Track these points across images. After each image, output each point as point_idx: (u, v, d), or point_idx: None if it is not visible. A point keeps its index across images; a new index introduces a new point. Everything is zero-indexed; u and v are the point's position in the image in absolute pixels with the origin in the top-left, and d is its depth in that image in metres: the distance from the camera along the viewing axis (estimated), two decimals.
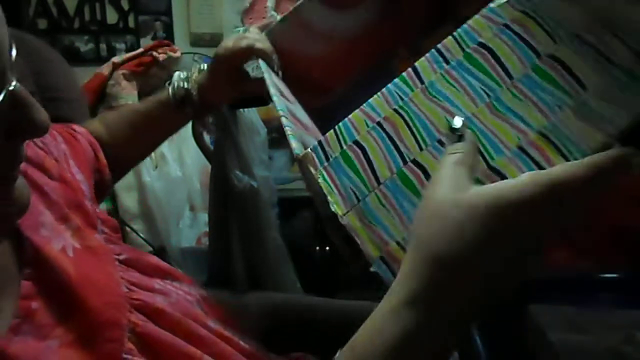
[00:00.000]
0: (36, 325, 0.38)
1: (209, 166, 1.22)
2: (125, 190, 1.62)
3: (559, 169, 0.30)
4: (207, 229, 1.42)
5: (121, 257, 0.51)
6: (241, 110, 1.17)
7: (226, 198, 1.14)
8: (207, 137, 1.28)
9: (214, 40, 2.56)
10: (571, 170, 0.30)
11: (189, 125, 1.30)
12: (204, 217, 1.67)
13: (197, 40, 2.58)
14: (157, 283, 0.52)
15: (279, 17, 0.60)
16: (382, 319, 0.31)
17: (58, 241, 0.45)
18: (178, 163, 1.67)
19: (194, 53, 2.46)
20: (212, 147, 1.22)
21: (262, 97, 1.18)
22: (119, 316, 0.43)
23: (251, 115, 1.21)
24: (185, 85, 0.71)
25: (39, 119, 0.36)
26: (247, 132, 1.18)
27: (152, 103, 0.73)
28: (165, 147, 1.67)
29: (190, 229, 1.71)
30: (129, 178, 1.64)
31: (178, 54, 1.80)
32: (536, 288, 0.63)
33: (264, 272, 0.96)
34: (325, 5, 0.48)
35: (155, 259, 0.57)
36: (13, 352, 0.35)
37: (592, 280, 0.70)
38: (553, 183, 0.29)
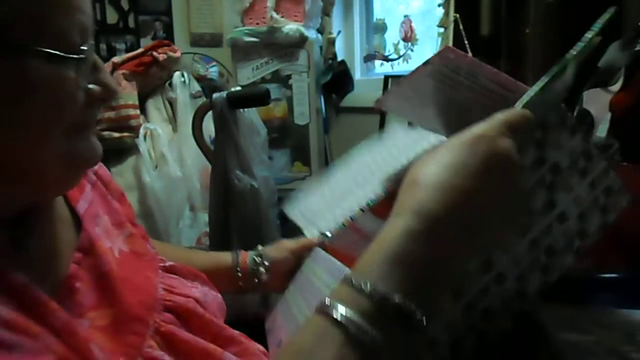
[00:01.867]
0: (74, 303, 0.41)
1: (209, 166, 1.22)
2: (126, 190, 1.62)
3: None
4: (207, 229, 1.42)
5: (166, 265, 0.56)
6: (241, 110, 1.17)
7: (226, 198, 1.14)
8: (207, 137, 1.28)
9: (214, 40, 2.56)
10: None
11: (189, 125, 1.30)
12: (204, 217, 1.67)
13: (197, 40, 2.58)
14: (196, 287, 0.56)
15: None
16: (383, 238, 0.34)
17: (108, 241, 0.49)
18: (178, 163, 1.67)
19: (194, 53, 2.47)
20: (212, 147, 1.22)
21: (262, 97, 1.19)
22: (146, 314, 0.46)
23: (251, 115, 1.21)
24: (261, 273, 0.73)
25: (114, 88, 0.42)
26: (247, 132, 1.18)
27: (212, 264, 0.73)
28: (165, 147, 1.67)
29: (190, 229, 1.71)
30: (129, 178, 1.64)
31: (178, 54, 1.80)
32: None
33: None
34: (374, 214, 0.61)
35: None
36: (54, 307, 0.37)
37: (592, 280, 0.70)
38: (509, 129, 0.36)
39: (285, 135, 1.90)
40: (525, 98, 0.40)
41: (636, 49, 0.85)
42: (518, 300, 0.45)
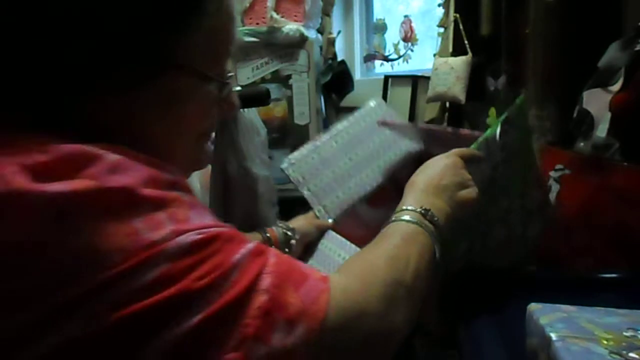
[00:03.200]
0: None
1: (209, 166, 1.22)
2: None
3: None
4: None
5: None
6: (241, 110, 1.17)
7: (226, 198, 1.14)
8: None
9: None
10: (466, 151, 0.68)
11: None
12: None
13: None
14: None
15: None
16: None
17: None
18: None
19: None
20: (212, 147, 1.22)
21: (262, 97, 1.18)
22: None
23: (251, 115, 1.21)
24: (292, 245, 0.89)
25: (237, 103, 0.54)
26: (247, 132, 1.18)
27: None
28: None
29: None
30: None
31: None
32: (536, 288, 0.63)
33: None
34: (369, 204, 0.86)
35: None
36: None
37: (592, 280, 0.70)
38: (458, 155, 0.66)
39: (285, 135, 1.89)
40: (473, 144, 0.69)
41: (636, 49, 0.85)
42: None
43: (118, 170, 0.37)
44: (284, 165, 0.93)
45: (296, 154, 0.91)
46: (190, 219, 0.38)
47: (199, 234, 0.38)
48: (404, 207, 0.58)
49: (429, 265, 0.53)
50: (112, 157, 0.37)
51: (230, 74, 0.51)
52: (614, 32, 0.97)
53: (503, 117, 0.70)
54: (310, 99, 1.82)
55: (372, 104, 0.94)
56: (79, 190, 0.35)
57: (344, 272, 0.48)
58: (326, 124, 2.21)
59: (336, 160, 0.90)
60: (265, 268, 0.40)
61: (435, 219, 0.57)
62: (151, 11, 0.42)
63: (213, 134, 0.72)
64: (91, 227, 0.34)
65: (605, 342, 0.42)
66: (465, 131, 0.75)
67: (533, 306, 0.51)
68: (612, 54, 0.90)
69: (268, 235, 0.87)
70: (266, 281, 0.39)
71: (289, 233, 0.88)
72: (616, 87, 0.87)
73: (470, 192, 0.63)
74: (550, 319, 0.47)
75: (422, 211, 0.57)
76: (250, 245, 0.40)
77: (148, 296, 0.34)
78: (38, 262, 0.33)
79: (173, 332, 0.34)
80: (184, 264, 0.36)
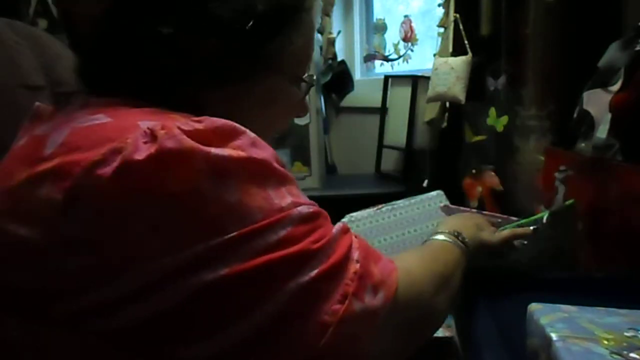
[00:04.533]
0: None
1: None
2: None
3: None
4: None
5: None
6: None
7: None
8: None
9: None
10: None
11: None
12: None
13: None
14: None
15: None
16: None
17: None
18: None
19: None
20: None
21: None
22: None
23: None
24: None
25: (308, 107, 0.62)
26: None
27: None
28: None
29: None
30: None
31: None
32: (536, 288, 0.63)
33: None
34: None
35: None
36: None
37: (592, 280, 0.70)
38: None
39: (285, 135, 1.89)
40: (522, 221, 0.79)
41: (636, 49, 0.85)
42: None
43: (257, 145, 0.44)
44: (345, 220, 0.97)
45: (357, 214, 0.97)
46: (300, 195, 0.46)
47: (310, 207, 0.45)
48: (438, 231, 0.67)
49: (460, 272, 0.62)
50: (251, 134, 0.44)
51: (311, 75, 0.58)
52: (614, 32, 0.97)
53: (551, 210, 0.81)
54: (310, 99, 1.81)
55: (435, 193, 1.02)
56: (234, 157, 0.41)
57: (400, 261, 0.54)
58: (326, 124, 2.21)
59: (390, 231, 0.96)
60: (353, 243, 0.47)
61: (466, 240, 0.66)
62: (270, 10, 0.49)
63: None
64: (240, 188, 0.41)
65: (606, 342, 0.42)
66: (514, 218, 0.82)
67: (533, 306, 0.51)
68: (612, 54, 0.90)
69: None
70: (356, 253, 0.47)
71: None
72: (616, 87, 0.87)
73: (491, 235, 0.73)
74: (551, 319, 0.47)
75: (455, 233, 0.66)
76: (339, 225, 0.48)
77: (278, 250, 0.41)
78: (197, 210, 0.39)
79: (296, 281, 0.41)
80: (304, 229, 0.43)
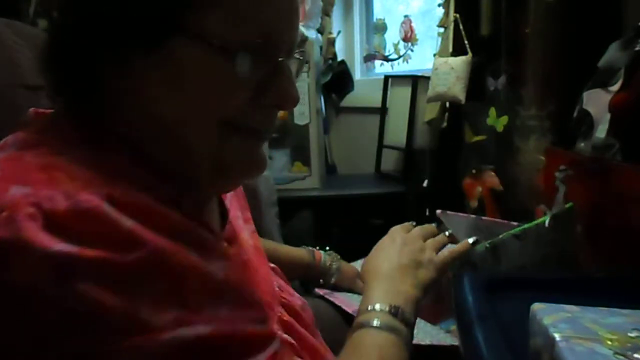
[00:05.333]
0: None
1: None
2: None
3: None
4: None
5: (271, 266, 0.62)
6: None
7: None
8: None
9: None
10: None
11: None
12: None
13: None
14: (291, 292, 0.61)
15: None
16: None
17: (244, 233, 0.56)
18: None
19: None
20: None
21: None
22: (273, 304, 0.52)
23: None
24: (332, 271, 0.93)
25: (291, 93, 0.44)
26: None
27: (295, 252, 0.93)
28: None
29: None
30: None
31: None
32: (536, 288, 0.63)
33: None
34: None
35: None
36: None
37: (592, 280, 0.70)
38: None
39: (285, 135, 1.89)
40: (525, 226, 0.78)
41: (636, 49, 0.85)
42: None
43: (130, 241, 0.33)
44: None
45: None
46: (202, 307, 0.34)
47: (208, 329, 0.33)
48: (372, 307, 0.54)
49: None
50: (127, 224, 0.34)
51: (275, 55, 0.42)
52: (614, 32, 0.97)
53: (552, 213, 0.79)
54: (310, 99, 1.81)
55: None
56: (86, 256, 0.32)
57: None
58: (326, 124, 2.21)
59: None
60: None
61: (407, 315, 0.54)
62: None
63: None
64: (88, 294, 0.31)
65: (609, 342, 0.42)
66: (514, 223, 0.80)
67: (536, 306, 0.51)
68: (612, 54, 0.90)
69: (314, 256, 0.93)
70: None
71: (332, 265, 0.93)
72: (616, 87, 0.87)
73: (429, 268, 0.61)
74: (554, 319, 0.47)
75: (393, 311, 0.53)
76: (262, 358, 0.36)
77: None
78: (32, 314, 0.32)
79: None
80: None
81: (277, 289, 0.57)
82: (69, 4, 0.41)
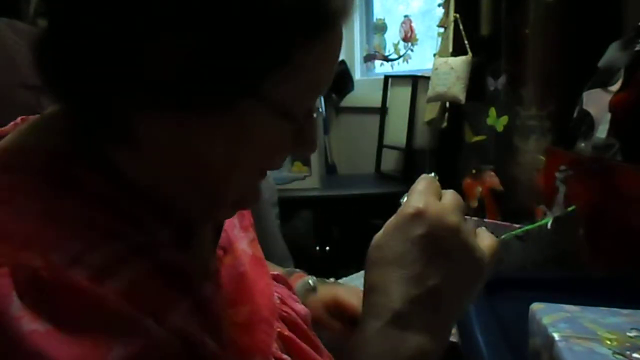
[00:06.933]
0: (220, 298, 0.44)
1: None
2: None
3: None
4: None
5: (273, 273, 0.59)
6: None
7: None
8: None
9: None
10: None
11: None
12: None
13: None
14: (298, 302, 0.59)
15: None
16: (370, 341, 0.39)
17: (241, 243, 0.53)
18: None
19: None
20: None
21: None
22: (271, 318, 0.49)
23: None
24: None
25: (316, 142, 0.43)
26: None
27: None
28: None
29: None
30: None
31: None
32: (536, 288, 0.63)
33: None
34: None
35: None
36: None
37: (592, 280, 0.70)
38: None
39: None
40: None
41: (636, 49, 0.85)
42: None
43: (117, 333, 0.31)
44: None
45: None
46: None
47: None
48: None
49: None
50: (111, 305, 0.31)
51: (316, 112, 0.43)
52: (614, 32, 0.97)
53: (554, 215, 0.79)
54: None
55: None
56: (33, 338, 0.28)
57: None
58: (326, 124, 2.21)
59: None
60: None
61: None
62: (253, 31, 0.34)
63: None
64: None
65: (608, 342, 0.43)
66: (516, 225, 0.79)
67: (536, 306, 0.51)
68: (612, 54, 0.91)
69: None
70: None
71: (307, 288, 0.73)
72: (616, 87, 0.87)
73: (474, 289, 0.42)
74: (553, 318, 0.47)
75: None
76: None
77: None
78: None
79: None
80: None
81: (277, 300, 0.53)
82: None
